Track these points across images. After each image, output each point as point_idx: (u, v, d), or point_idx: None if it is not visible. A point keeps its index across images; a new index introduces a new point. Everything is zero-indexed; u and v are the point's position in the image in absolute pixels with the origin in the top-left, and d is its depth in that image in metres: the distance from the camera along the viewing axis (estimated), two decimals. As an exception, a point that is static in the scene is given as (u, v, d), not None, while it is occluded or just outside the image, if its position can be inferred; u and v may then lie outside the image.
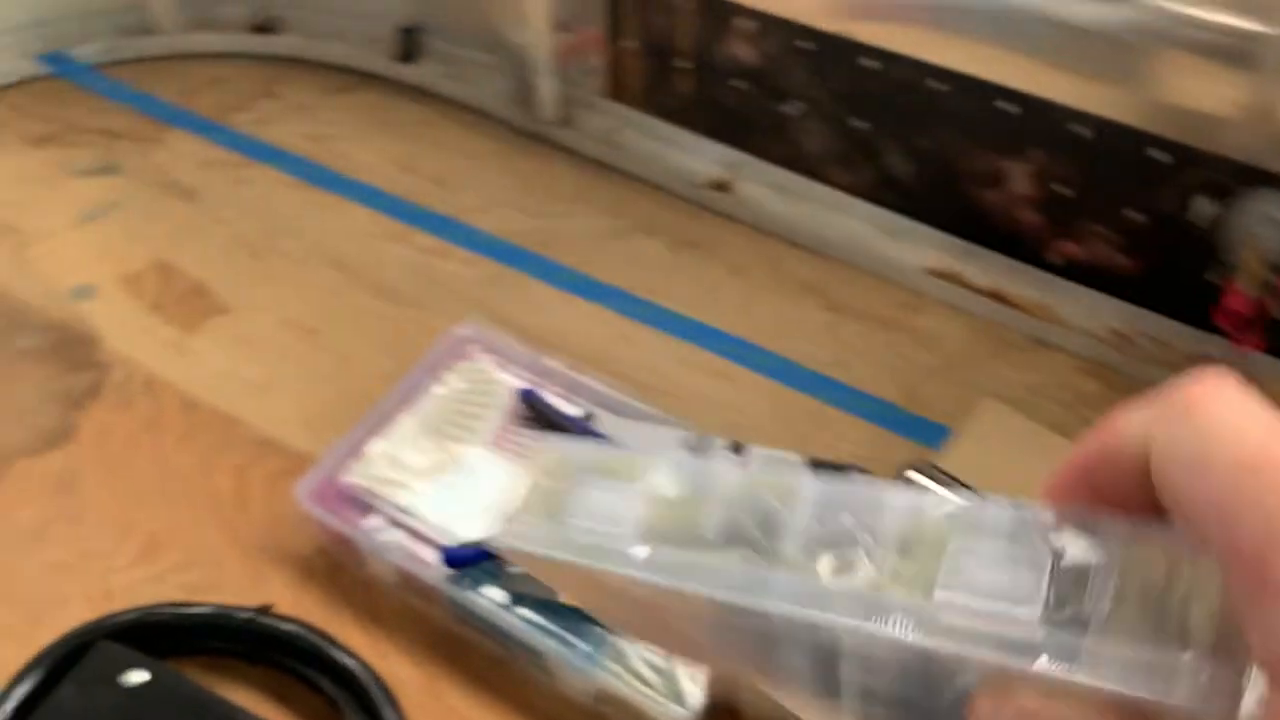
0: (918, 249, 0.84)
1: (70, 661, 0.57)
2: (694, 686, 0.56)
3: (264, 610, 0.60)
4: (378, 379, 0.77)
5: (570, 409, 0.68)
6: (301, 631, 0.59)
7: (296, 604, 0.64)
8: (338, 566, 0.66)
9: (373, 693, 0.57)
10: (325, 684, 0.58)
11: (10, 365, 0.77)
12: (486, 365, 0.71)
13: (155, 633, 0.60)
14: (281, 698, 0.60)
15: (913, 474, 0.60)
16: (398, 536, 0.62)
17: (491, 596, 0.59)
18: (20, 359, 0.77)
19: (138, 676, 0.55)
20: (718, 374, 0.78)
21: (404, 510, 0.63)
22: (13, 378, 0.76)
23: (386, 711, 0.56)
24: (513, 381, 0.70)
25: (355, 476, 0.65)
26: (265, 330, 0.80)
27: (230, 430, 0.74)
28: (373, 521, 0.62)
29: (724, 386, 0.77)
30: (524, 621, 0.58)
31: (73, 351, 0.78)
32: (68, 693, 0.55)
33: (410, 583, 0.62)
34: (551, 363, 0.71)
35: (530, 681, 0.60)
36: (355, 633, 0.63)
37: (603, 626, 0.58)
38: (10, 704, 0.55)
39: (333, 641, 0.59)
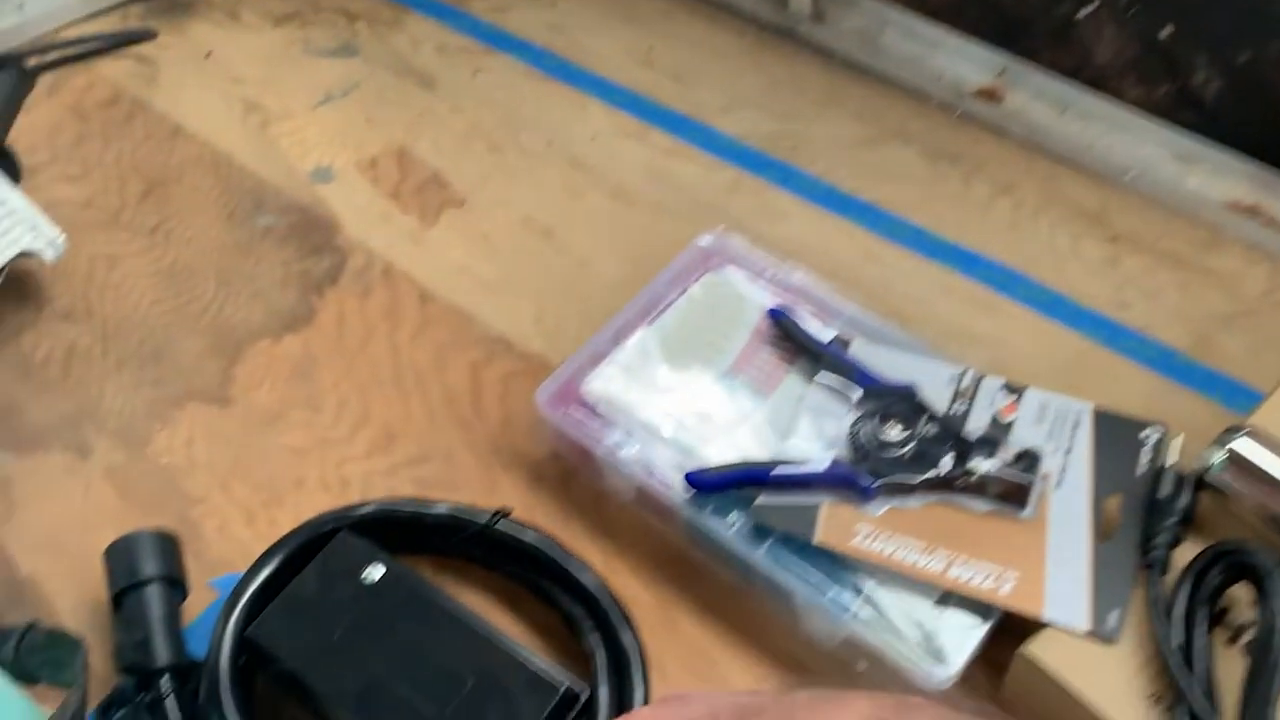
0: (1219, 180, 0.74)
1: (311, 549, 0.57)
2: (958, 648, 0.51)
3: (503, 514, 0.58)
4: (613, 285, 0.73)
5: (823, 332, 0.62)
6: (541, 542, 0.57)
7: (526, 509, 0.62)
8: (570, 475, 0.64)
9: (613, 615, 0.54)
10: (562, 599, 0.56)
11: (252, 244, 0.77)
12: (733, 279, 0.66)
13: (393, 528, 0.59)
14: (514, 606, 0.59)
15: (1243, 441, 0.52)
16: (637, 452, 0.58)
17: (735, 526, 0.56)
18: (262, 239, 0.78)
19: (375, 572, 0.55)
20: (978, 304, 0.71)
21: (644, 426, 0.60)
22: (255, 257, 0.76)
23: (625, 636, 0.54)
24: (761, 298, 0.65)
25: (594, 386, 0.62)
26: (501, 227, 0.78)
27: (465, 326, 0.72)
28: (612, 434, 0.59)
29: (984, 318, 0.70)
30: (771, 557, 0.54)
31: (312, 234, 0.78)
32: (309, 581, 0.55)
33: (648, 501, 0.59)
34: (802, 279, 0.66)
35: (770, 618, 0.57)
36: (586, 546, 0.61)
37: (859, 572, 0.53)
38: (253, 585, 0.55)
39: (573, 556, 0.56)
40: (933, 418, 0.56)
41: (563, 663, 0.56)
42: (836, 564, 0.54)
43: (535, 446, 0.65)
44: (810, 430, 0.58)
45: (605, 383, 0.62)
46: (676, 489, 0.57)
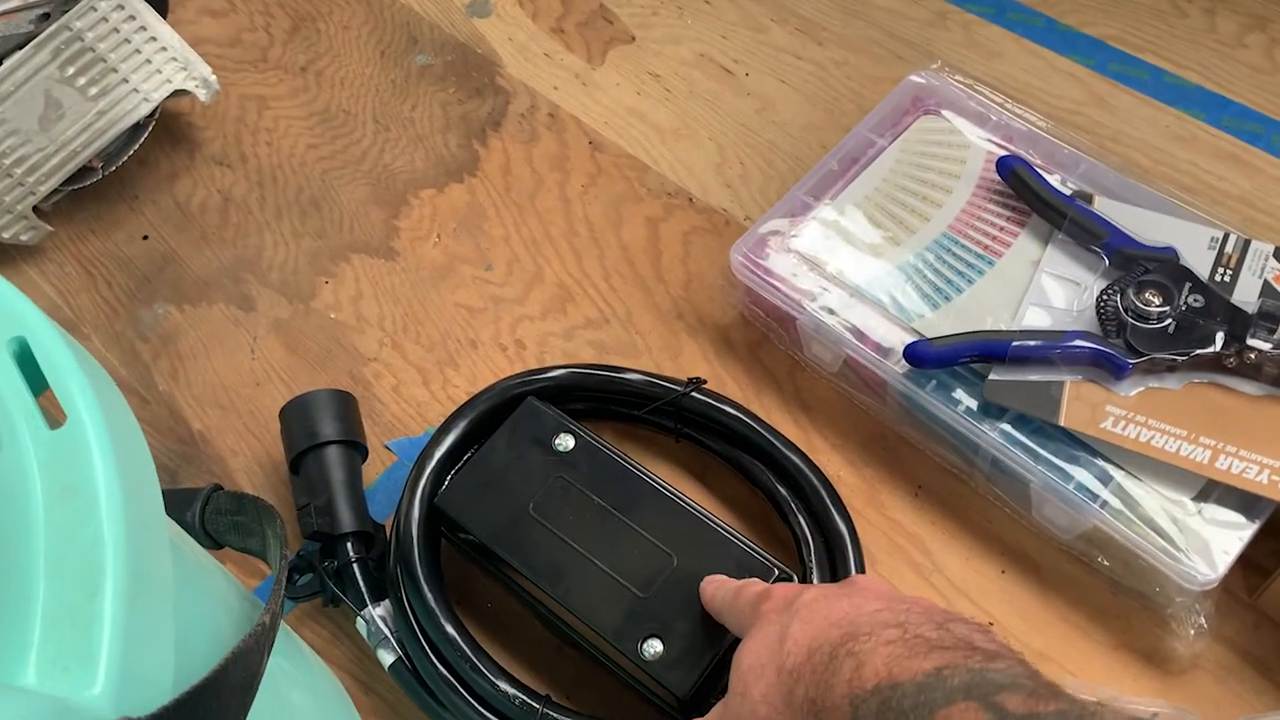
0: None
1: (496, 415, 0.53)
2: (1222, 548, 0.45)
3: (696, 384, 0.53)
4: (806, 133, 0.67)
5: (1060, 186, 0.55)
6: (741, 415, 0.52)
7: (713, 379, 0.58)
8: (761, 342, 0.59)
9: (824, 497, 0.50)
10: (763, 477, 0.51)
11: (409, 85, 0.72)
12: (954, 124, 0.58)
13: (580, 395, 0.55)
14: (705, 481, 0.55)
15: None
16: (844, 318, 0.53)
17: (959, 403, 0.50)
18: (419, 79, 0.72)
19: (567, 441, 0.51)
20: (1227, 156, 0.62)
21: (853, 290, 0.54)
22: (412, 99, 0.71)
23: (836, 520, 0.49)
24: (985, 146, 0.58)
25: (797, 245, 0.56)
26: (675, 66, 0.71)
27: (640, 177, 0.66)
28: (815, 299, 0.54)
29: (1235, 173, 0.61)
30: (1003, 438, 0.49)
31: (471, 74, 0.72)
32: (497, 448, 0.51)
33: (856, 374, 0.54)
34: (1029, 127, 0.58)
35: (993, 506, 0.52)
36: (782, 419, 0.56)
37: (1107, 459, 0.48)
38: (440, 451, 0.52)
39: (777, 432, 0.52)
40: (1198, 286, 0.49)
41: (762, 544, 0.52)
42: (1079, 448, 0.48)
43: (722, 310, 0.60)
44: (1047, 298, 0.52)
45: (809, 241, 0.56)
46: (891, 360, 0.52)
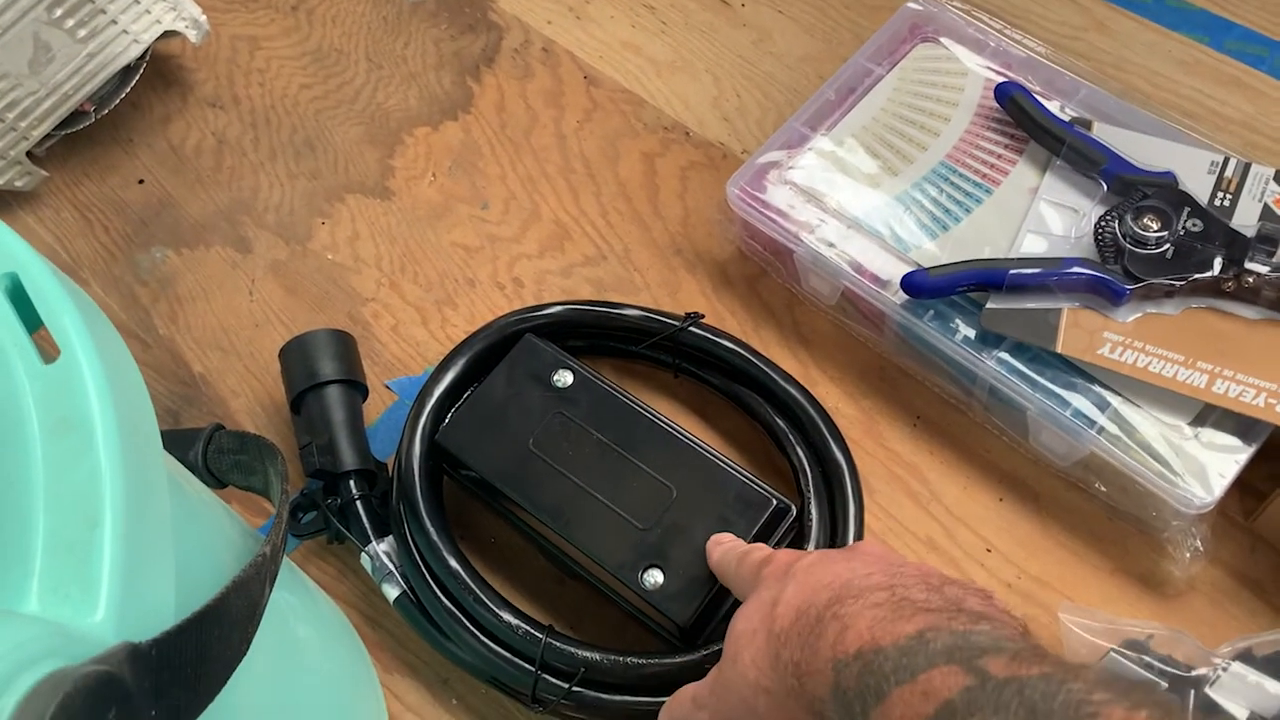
0: None
1: (495, 352, 0.53)
2: (1219, 471, 0.45)
3: (694, 319, 0.53)
4: (803, 63, 0.66)
5: (1058, 112, 0.54)
6: (739, 349, 0.52)
7: (712, 314, 0.58)
8: (758, 276, 0.59)
9: (821, 428, 0.50)
10: (761, 410, 0.52)
11: (400, 22, 0.71)
12: (952, 51, 0.58)
13: (578, 331, 0.55)
14: (704, 415, 0.55)
15: None
16: (842, 249, 0.53)
17: (957, 332, 0.50)
18: (410, 15, 0.71)
19: (566, 377, 0.51)
20: (1230, 81, 0.61)
21: (851, 221, 0.54)
22: (404, 36, 0.70)
23: (836, 450, 0.50)
24: (983, 74, 0.57)
25: (794, 176, 0.55)
26: (671, -4, 0.70)
27: (636, 111, 0.65)
28: (813, 231, 0.54)
29: (1238, 97, 0.61)
30: (1000, 366, 0.49)
31: (464, 9, 0.71)
32: (497, 385, 0.52)
33: (854, 305, 0.54)
34: (1027, 53, 0.57)
35: (991, 435, 0.52)
36: (780, 352, 0.56)
37: (1104, 385, 0.48)
38: (440, 388, 0.52)
39: (775, 365, 0.52)
40: (1197, 211, 0.49)
41: (762, 476, 0.53)
42: (1076, 375, 0.48)
43: (720, 245, 0.60)
44: (1045, 225, 0.51)
45: (805, 173, 0.55)
46: (888, 291, 0.51)
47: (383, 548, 0.51)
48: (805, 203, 0.55)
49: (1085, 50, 0.63)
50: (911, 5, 0.59)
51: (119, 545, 0.26)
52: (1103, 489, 0.49)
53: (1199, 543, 0.46)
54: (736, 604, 0.46)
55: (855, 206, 0.54)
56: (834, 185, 0.55)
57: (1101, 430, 0.47)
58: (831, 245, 0.53)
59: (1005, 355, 0.49)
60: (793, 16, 0.67)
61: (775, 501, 0.47)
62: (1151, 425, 0.46)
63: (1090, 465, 0.48)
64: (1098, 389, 0.48)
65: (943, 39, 0.58)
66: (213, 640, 0.28)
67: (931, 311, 0.51)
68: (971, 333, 0.50)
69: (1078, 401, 0.47)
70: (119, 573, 0.26)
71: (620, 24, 0.69)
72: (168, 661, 0.25)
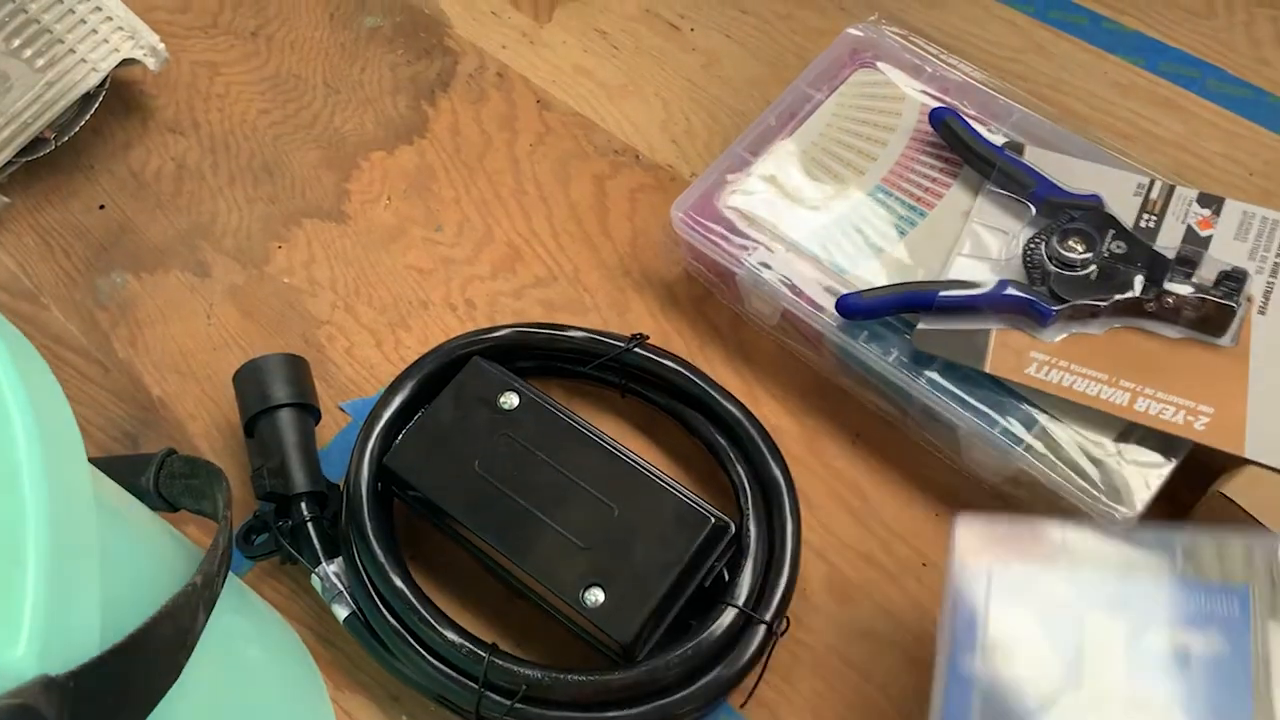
0: None
1: (443, 374, 0.54)
2: (1141, 487, 0.47)
3: (639, 339, 0.54)
4: (750, 87, 0.67)
5: (991, 136, 0.56)
6: (682, 368, 0.53)
7: (659, 334, 0.59)
8: (705, 297, 0.60)
9: (760, 446, 0.51)
10: (703, 428, 0.53)
11: (358, 48, 0.72)
12: (889, 77, 0.59)
13: (526, 353, 0.56)
14: (650, 434, 0.56)
15: None
16: (781, 272, 0.54)
17: (891, 353, 0.51)
18: (368, 41, 0.72)
19: (512, 399, 0.52)
20: (1162, 102, 0.63)
21: (789, 244, 0.55)
22: (361, 62, 0.72)
23: (773, 467, 0.51)
24: (918, 98, 0.58)
25: (734, 201, 0.57)
26: (623, 22, 0.71)
27: (587, 135, 0.67)
28: (753, 254, 0.55)
29: (1170, 118, 0.62)
30: (931, 386, 0.50)
31: (420, 35, 0.72)
32: (444, 407, 0.53)
33: (794, 326, 0.55)
34: (963, 77, 0.59)
35: (926, 451, 0.53)
36: (724, 372, 0.58)
37: (1031, 404, 0.49)
38: (388, 412, 0.53)
39: (715, 384, 0.53)
40: (1121, 233, 0.50)
41: (705, 494, 0.54)
42: (1005, 394, 0.50)
43: (667, 266, 0.61)
44: (977, 248, 0.53)
45: (746, 197, 0.57)
46: (825, 313, 0.53)
47: (332, 569, 0.52)
48: (747, 226, 0.56)
49: (1023, 72, 0.64)
50: (852, 31, 0.60)
51: (42, 581, 0.27)
52: (1030, 501, 0.50)
53: None
54: (675, 624, 0.48)
55: (794, 230, 0.55)
56: (774, 209, 0.56)
57: (1029, 448, 0.48)
58: (770, 268, 0.54)
59: (936, 375, 0.50)
60: (739, 41, 0.69)
61: (714, 519, 0.48)
62: (1077, 442, 0.48)
63: (1019, 481, 0.50)
64: (1026, 407, 0.49)
65: (880, 64, 0.60)
66: (137, 670, 0.29)
67: (866, 332, 0.52)
68: (904, 353, 0.51)
69: (1006, 420, 0.49)
70: (41, 608, 0.27)
71: (573, 49, 0.70)
72: (87, 693, 0.26)
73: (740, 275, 0.55)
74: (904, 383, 0.50)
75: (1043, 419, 0.49)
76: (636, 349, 0.54)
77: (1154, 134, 0.62)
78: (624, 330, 0.59)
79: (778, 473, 0.51)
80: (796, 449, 0.55)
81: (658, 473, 0.50)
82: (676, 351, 0.57)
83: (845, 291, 0.52)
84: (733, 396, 0.53)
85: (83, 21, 0.65)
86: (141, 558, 0.39)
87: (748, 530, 0.50)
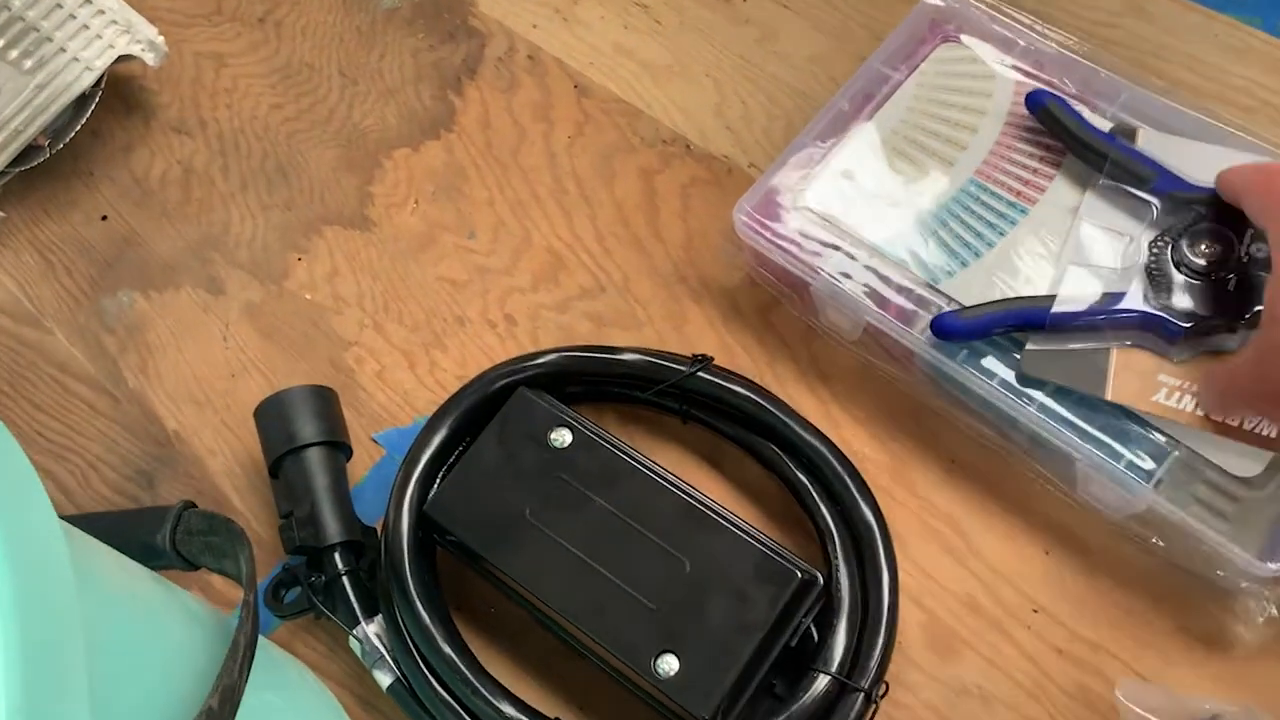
0: None
1: (486, 407, 0.49)
2: (1289, 535, 0.41)
3: (703, 361, 0.48)
4: (812, 64, 0.60)
5: (1096, 120, 0.49)
6: (753, 394, 0.47)
7: (721, 349, 0.53)
8: (772, 305, 0.54)
9: (848, 485, 0.45)
10: (780, 462, 0.47)
11: (375, 32, 0.66)
12: (976, 52, 0.52)
13: (576, 379, 0.50)
14: (717, 465, 0.51)
15: None
16: (862, 282, 0.48)
17: (995, 373, 0.45)
18: (385, 24, 0.66)
19: (564, 436, 0.47)
20: (1283, 68, 0.56)
21: (872, 249, 0.49)
22: (380, 48, 0.65)
23: (863, 510, 0.45)
24: (1012, 76, 0.51)
25: (809, 199, 0.50)
26: (666, -6, 0.64)
27: (631, 123, 0.60)
28: (831, 260, 0.49)
29: (1293, 87, 0.55)
30: (1043, 413, 0.44)
31: (442, 16, 0.66)
32: (488, 446, 0.47)
33: (879, 342, 0.49)
34: (1060, 50, 0.52)
35: (1035, 483, 0.47)
36: (799, 393, 0.52)
37: (1161, 431, 0.43)
38: (426, 454, 0.48)
39: (793, 412, 0.47)
40: (1261, 232, 0.44)
41: (784, 537, 0.48)
42: (1129, 420, 0.43)
43: (728, 272, 0.55)
44: (1091, 252, 0.46)
45: (820, 196, 0.50)
46: (915, 328, 0.47)
47: (372, 629, 0.46)
48: (820, 229, 0.50)
49: (1122, 39, 0.57)
50: (930, 1, 0.53)
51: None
52: (1161, 545, 0.44)
53: (1274, 608, 0.42)
54: (759, 690, 0.42)
55: (875, 232, 0.49)
56: (851, 209, 0.50)
57: (1159, 484, 0.42)
58: (849, 278, 0.48)
59: (1048, 400, 0.44)
60: (798, 11, 0.62)
61: (800, 574, 0.43)
62: (1215, 480, 0.42)
63: (1147, 520, 0.44)
64: (1155, 436, 0.43)
65: (965, 38, 0.53)
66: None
67: (965, 350, 0.46)
68: (1010, 375, 0.45)
69: (1132, 451, 0.43)
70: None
71: (611, 25, 0.64)
72: None
73: (815, 285, 0.49)
74: (1011, 408, 0.44)
75: (1176, 451, 0.42)
76: (701, 373, 0.48)
77: (1275, 105, 0.54)
78: (682, 347, 0.53)
79: (869, 515, 0.45)
80: (883, 479, 0.49)
81: (732, 518, 0.44)
82: (742, 370, 0.51)
83: (938, 304, 0.46)
84: (811, 425, 0.47)
85: (72, 17, 0.59)
86: (151, 651, 0.34)
87: (838, 583, 0.44)
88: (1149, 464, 0.42)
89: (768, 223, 0.50)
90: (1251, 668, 0.43)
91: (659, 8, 0.64)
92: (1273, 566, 0.40)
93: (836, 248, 0.49)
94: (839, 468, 0.46)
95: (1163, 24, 0.57)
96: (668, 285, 0.55)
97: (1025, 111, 0.50)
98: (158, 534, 0.46)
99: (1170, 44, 0.57)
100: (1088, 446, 0.43)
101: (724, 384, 0.48)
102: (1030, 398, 0.44)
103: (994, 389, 0.45)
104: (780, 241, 0.49)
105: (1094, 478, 0.44)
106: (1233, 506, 0.41)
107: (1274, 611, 0.42)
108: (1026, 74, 0.51)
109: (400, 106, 0.63)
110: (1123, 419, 0.43)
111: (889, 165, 0.50)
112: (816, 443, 0.46)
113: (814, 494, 0.46)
